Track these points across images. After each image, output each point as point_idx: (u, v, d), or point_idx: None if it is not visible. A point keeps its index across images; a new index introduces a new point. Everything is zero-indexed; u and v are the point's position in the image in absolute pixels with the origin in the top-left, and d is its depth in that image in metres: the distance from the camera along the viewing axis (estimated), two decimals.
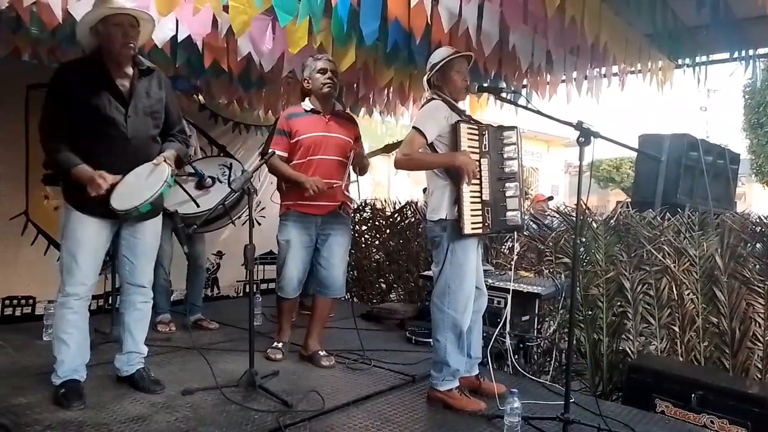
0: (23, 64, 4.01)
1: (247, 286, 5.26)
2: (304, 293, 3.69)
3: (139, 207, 2.34)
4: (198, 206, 3.50)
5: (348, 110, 5.35)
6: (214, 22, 2.95)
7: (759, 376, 3.28)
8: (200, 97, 5.02)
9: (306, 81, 3.19)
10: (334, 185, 3.09)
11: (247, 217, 2.72)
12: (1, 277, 3.97)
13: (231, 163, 3.93)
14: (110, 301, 3.64)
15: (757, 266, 3.36)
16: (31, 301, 4.09)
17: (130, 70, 2.50)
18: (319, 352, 3.18)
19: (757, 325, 3.32)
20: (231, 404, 2.48)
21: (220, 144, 5.19)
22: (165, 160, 2.47)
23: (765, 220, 3.50)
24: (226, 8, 2.80)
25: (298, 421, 2.36)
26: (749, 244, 3.43)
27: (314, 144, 3.10)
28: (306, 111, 3.18)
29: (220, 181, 3.72)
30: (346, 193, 3.23)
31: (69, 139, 2.40)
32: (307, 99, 3.23)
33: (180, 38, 2.93)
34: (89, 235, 2.46)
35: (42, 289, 4.06)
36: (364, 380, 2.94)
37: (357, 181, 3.24)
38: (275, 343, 3.26)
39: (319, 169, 3.09)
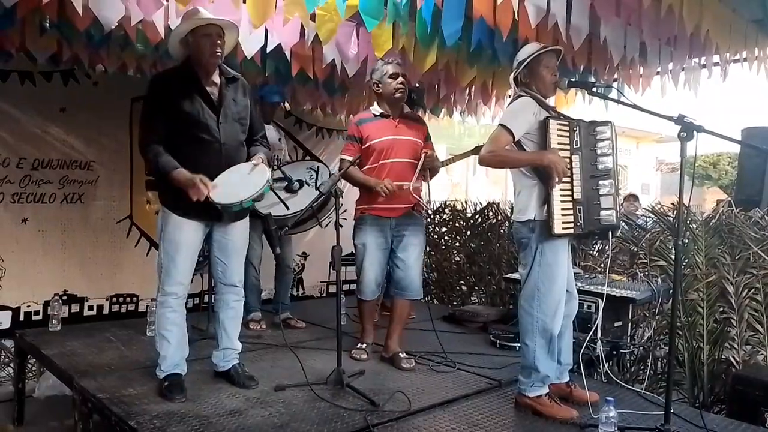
0: (128, 78, 4.32)
1: (330, 287, 5.50)
2: (386, 294, 3.73)
3: (242, 202, 2.47)
4: (288, 208, 3.61)
5: (427, 112, 5.37)
6: (302, 31, 3.04)
7: None
8: (286, 104, 5.20)
9: (376, 85, 3.22)
10: (404, 186, 3.10)
11: (332, 218, 2.78)
12: (108, 276, 4.31)
13: (318, 167, 4.03)
14: (206, 300, 3.84)
15: None
16: (135, 298, 4.41)
17: (217, 79, 2.63)
18: (400, 354, 3.19)
19: None
20: (321, 401, 2.55)
21: (306, 147, 5.35)
22: (262, 161, 2.59)
23: None
24: (312, 17, 2.88)
25: (385, 420, 2.38)
26: None
27: (386, 147, 3.14)
28: (376, 116, 3.22)
29: (308, 184, 3.83)
30: (418, 194, 3.23)
31: (166, 145, 2.54)
32: (376, 103, 3.27)
33: (269, 48, 3.05)
34: (185, 237, 2.60)
35: (144, 287, 4.37)
36: (449, 383, 2.92)
37: (427, 182, 3.23)
38: (359, 344, 3.32)
39: (392, 171, 3.12)
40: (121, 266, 4.36)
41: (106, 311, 4.28)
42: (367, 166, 3.17)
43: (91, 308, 4.22)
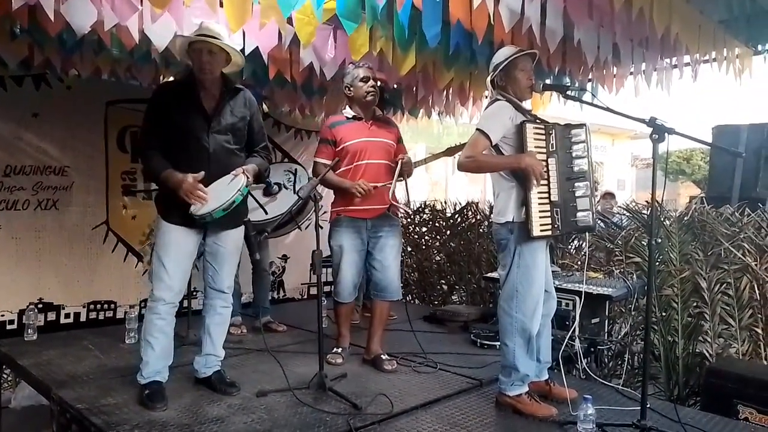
0: (103, 83, 4.26)
1: (312, 288, 5.49)
2: (366, 295, 3.75)
3: (211, 213, 2.49)
4: (266, 213, 3.61)
5: (406, 113, 5.40)
6: (279, 35, 3.03)
7: None
8: (264, 106, 5.17)
9: (348, 88, 3.25)
10: (378, 186, 3.13)
11: (311, 220, 2.79)
12: (85, 283, 4.24)
13: (296, 169, 4.04)
14: (186, 305, 3.80)
15: None
16: (113, 305, 4.34)
17: (218, 90, 2.69)
18: (382, 356, 3.21)
19: None
20: (303, 406, 2.55)
21: (284, 149, 5.33)
22: (243, 172, 2.61)
23: None
24: (290, 21, 2.88)
25: (368, 423, 2.39)
26: None
27: (360, 149, 3.17)
28: (348, 118, 3.25)
29: (286, 188, 3.82)
30: (392, 196, 3.25)
31: (161, 150, 2.62)
32: (347, 107, 3.30)
33: (247, 51, 3.04)
34: (175, 243, 2.62)
35: (122, 294, 4.32)
36: (430, 384, 2.94)
37: (405, 182, 3.25)
38: (335, 349, 3.32)
39: (367, 173, 3.15)
40: (98, 273, 4.29)
41: (83, 319, 4.21)
42: (341, 169, 3.18)
43: (67, 316, 4.15)
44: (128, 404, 2.52)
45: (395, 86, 4.68)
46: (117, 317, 4.27)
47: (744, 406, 2.76)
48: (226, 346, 2.91)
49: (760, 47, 3.82)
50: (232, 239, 2.77)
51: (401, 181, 3.25)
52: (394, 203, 3.24)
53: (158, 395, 2.53)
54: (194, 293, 3.85)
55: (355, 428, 2.33)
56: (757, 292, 3.38)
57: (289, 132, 5.43)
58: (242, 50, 3.07)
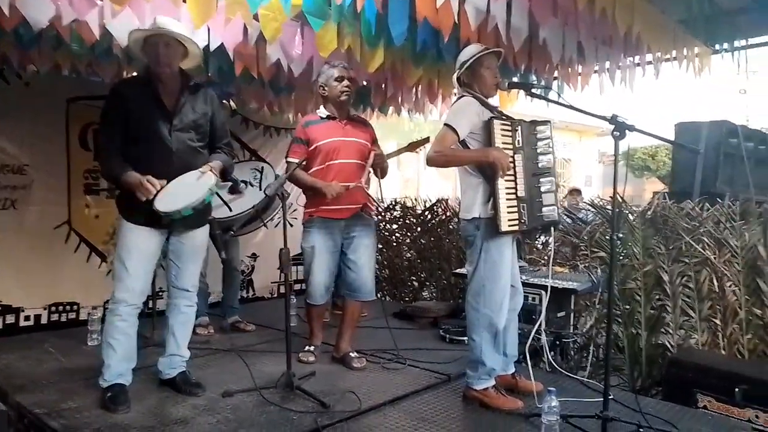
0: (63, 79, 4.15)
1: (282, 287, 5.44)
2: (336, 293, 3.73)
3: (180, 210, 2.43)
4: (231, 210, 3.57)
5: (376, 110, 5.39)
6: (245, 31, 2.99)
7: None
8: (231, 103, 5.10)
9: (322, 88, 3.23)
10: (350, 186, 3.11)
11: (280, 219, 2.77)
12: (47, 284, 4.12)
13: (262, 167, 4.00)
14: (150, 305, 3.73)
15: None
16: (75, 306, 4.23)
17: (177, 87, 2.63)
18: (351, 353, 3.20)
19: None
20: (270, 405, 2.53)
21: (251, 148, 5.27)
22: (211, 170, 2.57)
23: None
24: (256, 17, 2.84)
25: (335, 421, 2.39)
26: None
27: (333, 149, 3.14)
28: (322, 118, 3.23)
29: (252, 185, 3.78)
30: (367, 194, 3.25)
31: (121, 150, 2.55)
32: (322, 106, 3.28)
33: (212, 47, 2.99)
34: (137, 243, 2.57)
35: (85, 295, 4.21)
36: (399, 380, 2.96)
37: (378, 179, 3.25)
38: (307, 347, 3.31)
39: (340, 173, 3.13)
40: (60, 274, 4.17)
41: (44, 321, 4.09)
42: (314, 168, 3.16)
43: (27, 318, 4.03)
44: (89, 408, 2.47)
45: (364, 83, 4.67)
46: (80, 319, 4.16)
47: (703, 395, 2.84)
48: (192, 346, 2.87)
49: (717, 47, 3.92)
50: (197, 238, 2.73)
51: (378, 178, 3.24)
52: (368, 201, 3.22)
53: (120, 398, 2.47)
54: (159, 293, 3.78)
55: (322, 426, 2.32)
56: (715, 284, 3.48)
57: (258, 129, 5.36)
58: (207, 47, 3.03)
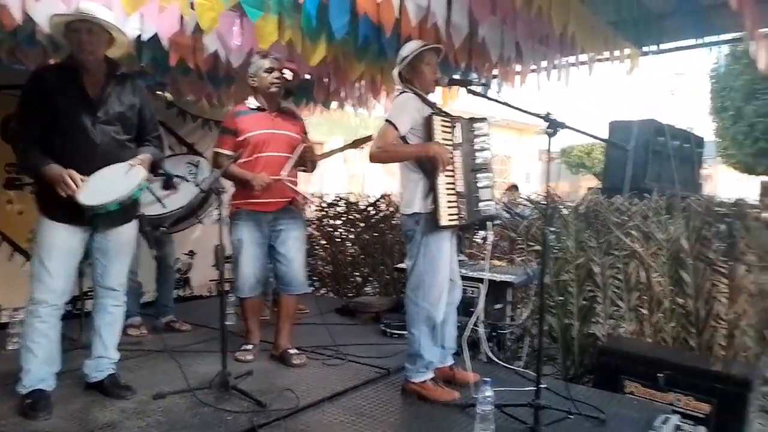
0: None
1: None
2: (275, 290, 3.67)
3: (106, 205, 2.31)
4: (165, 207, 3.44)
5: (319, 104, 5.33)
6: (181, 20, 2.88)
7: (723, 353, 3.37)
8: (167, 94, 4.92)
9: (252, 78, 3.18)
10: (278, 178, 3.07)
11: (217, 215, 2.69)
12: None
13: (198, 161, 3.88)
14: (77, 306, 3.56)
15: (721, 247, 3.44)
16: None
17: (103, 76, 2.49)
18: (290, 350, 3.16)
19: (721, 304, 3.41)
20: (204, 407, 2.46)
21: (188, 142, 5.11)
22: (141, 163, 2.46)
23: (727, 203, 3.58)
24: (192, 5, 2.74)
25: (272, 420, 2.35)
26: (713, 227, 3.51)
27: (262, 141, 3.10)
28: (252, 109, 3.17)
29: (187, 180, 3.66)
30: (294, 188, 3.21)
31: (40, 141, 2.39)
32: (251, 97, 3.22)
33: (145, 37, 2.87)
34: (58, 242, 2.42)
35: (7, 296, 3.95)
36: (339, 376, 2.94)
37: (308, 172, 3.23)
38: (244, 346, 3.24)
39: (268, 165, 3.09)
40: None
41: None
42: (241, 160, 3.08)
43: None
44: (7, 416, 2.32)
45: (307, 77, 4.61)
46: (1, 321, 3.91)
47: (630, 381, 2.98)
48: (122, 347, 2.75)
49: (645, 48, 4.10)
50: (123, 234, 2.60)
51: (305, 171, 3.21)
52: (297, 194, 3.18)
53: (41, 404, 2.34)
54: (88, 293, 3.59)
55: (258, 426, 2.28)
56: (642, 275, 3.64)
57: (196, 122, 5.20)
58: (139, 36, 2.90)
